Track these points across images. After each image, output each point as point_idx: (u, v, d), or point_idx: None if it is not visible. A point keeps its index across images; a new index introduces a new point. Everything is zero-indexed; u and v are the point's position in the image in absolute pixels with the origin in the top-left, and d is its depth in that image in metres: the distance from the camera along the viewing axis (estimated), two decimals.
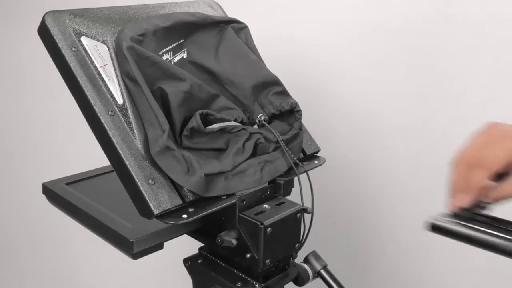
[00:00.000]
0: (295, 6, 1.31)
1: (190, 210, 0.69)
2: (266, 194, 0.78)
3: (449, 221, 0.60)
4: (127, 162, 0.68)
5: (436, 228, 0.60)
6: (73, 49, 0.71)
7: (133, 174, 0.67)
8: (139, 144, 0.70)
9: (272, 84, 0.84)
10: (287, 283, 0.79)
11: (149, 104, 0.71)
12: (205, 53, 0.84)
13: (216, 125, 0.76)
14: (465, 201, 0.59)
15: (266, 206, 0.76)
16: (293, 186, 0.81)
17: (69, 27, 0.73)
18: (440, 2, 1.18)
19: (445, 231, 0.60)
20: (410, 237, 1.13)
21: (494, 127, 0.61)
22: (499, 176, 0.59)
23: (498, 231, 0.57)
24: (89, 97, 0.69)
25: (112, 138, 0.68)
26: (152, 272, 1.65)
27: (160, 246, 0.73)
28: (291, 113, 0.83)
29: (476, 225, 0.59)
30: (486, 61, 1.01)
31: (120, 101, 0.72)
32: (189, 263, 0.81)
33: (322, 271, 0.79)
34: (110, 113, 0.70)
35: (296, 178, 0.80)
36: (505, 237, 0.57)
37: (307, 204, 0.76)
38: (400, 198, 1.26)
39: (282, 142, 0.78)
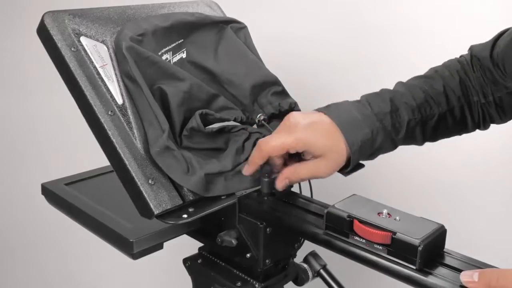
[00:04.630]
0: (295, 6, 1.31)
1: (190, 210, 0.69)
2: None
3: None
4: (127, 162, 0.68)
5: None
6: (73, 49, 0.71)
7: (133, 174, 0.67)
8: (139, 144, 0.70)
9: (271, 84, 0.84)
10: (287, 283, 0.79)
11: (148, 104, 0.71)
12: (204, 53, 0.84)
13: (216, 125, 0.76)
14: (246, 171, 0.73)
15: None
16: (292, 186, 0.81)
17: (68, 27, 0.73)
18: (440, 2, 1.18)
19: None
20: None
21: (288, 119, 0.72)
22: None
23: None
24: (89, 97, 0.69)
25: (112, 138, 0.68)
26: (152, 272, 1.65)
27: (160, 246, 0.73)
28: None
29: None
30: None
31: (119, 101, 0.72)
32: (189, 263, 0.81)
33: (322, 271, 0.79)
34: (109, 113, 0.69)
35: None
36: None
37: None
38: (399, 197, 1.26)
39: None
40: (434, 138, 0.82)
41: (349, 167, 0.73)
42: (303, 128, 0.70)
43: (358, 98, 0.78)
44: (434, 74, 0.83)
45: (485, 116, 0.83)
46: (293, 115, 0.72)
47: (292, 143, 0.69)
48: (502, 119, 0.83)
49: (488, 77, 0.81)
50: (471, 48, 0.85)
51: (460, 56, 0.86)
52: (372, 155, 0.76)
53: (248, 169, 0.73)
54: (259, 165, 0.72)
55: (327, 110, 0.73)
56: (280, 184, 0.72)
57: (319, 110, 0.74)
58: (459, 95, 0.81)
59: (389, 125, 0.74)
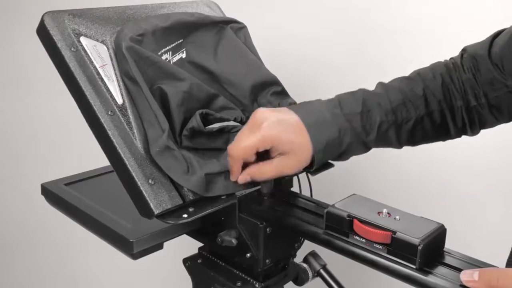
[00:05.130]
0: (295, 6, 1.31)
1: (190, 209, 0.69)
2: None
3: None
4: (127, 162, 0.68)
5: None
6: (72, 49, 0.71)
7: (133, 174, 0.67)
8: (139, 144, 0.70)
9: (271, 84, 0.84)
10: (287, 282, 0.79)
11: (148, 104, 0.71)
12: (204, 53, 0.84)
13: (216, 125, 0.76)
14: (232, 179, 0.72)
15: None
16: (292, 186, 0.81)
17: (68, 27, 0.73)
18: (440, 2, 1.18)
19: None
20: None
21: (254, 116, 0.70)
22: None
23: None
24: (89, 97, 0.69)
25: (112, 138, 0.68)
26: (152, 272, 1.65)
27: (160, 246, 0.73)
28: None
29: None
30: None
31: (119, 101, 0.72)
32: (189, 263, 0.81)
33: (322, 271, 0.79)
34: (109, 113, 0.69)
35: (295, 178, 0.80)
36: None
37: None
38: (399, 196, 1.26)
39: None
40: (412, 142, 0.81)
41: (314, 166, 0.72)
42: (269, 125, 0.68)
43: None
44: (417, 76, 0.81)
45: (473, 120, 0.81)
46: (260, 112, 0.70)
47: (259, 142, 0.68)
48: (498, 120, 0.81)
49: (484, 77, 0.79)
50: (465, 49, 0.83)
51: (450, 59, 0.84)
52: (341, 156, 0.75)
53: (233, 178, 0.72)
54: (240, 171, 0.71)
55: (298, 108, 0.72)
56: (241, 178, 0.70)
57: (290, 107, 0.73)
58: (440, 99, 0.79)
59: (358, 126, 0.73)
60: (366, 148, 0.76)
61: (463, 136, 0.86)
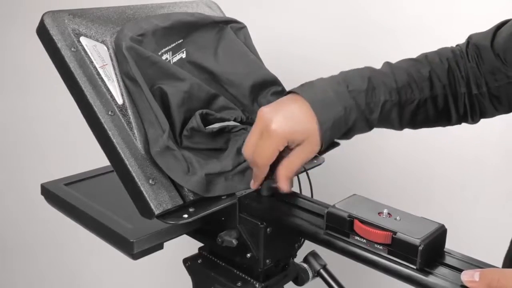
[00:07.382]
0: (294, 6, 1.31)
1: (191, 210, 0.69)
2: None
3: None
4: (127, 162, 0.68)
5: None
6: (72, 49, 0.71)
7: (134, 174, 0.67)
8: (139, 144, 0.70)
9: (271, 83, 0.84)
10: (287, 282, 0.79)
11: (149, 104, 0.71)
12: (204, 53, 0.84)
13: (216, 125, 0.76)
14: (254, 186, 0.73)
15: None
16: (292, 186, 0.81)
17: (68, 27, 0.73)
18: (441, 1, 1.18)
19: None
20: None
21: (260, 119, 0.69)
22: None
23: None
24: (89, 97, 0.69)
25: (112, 138, 0.68)
26: (152, 272, 1.65)
27: (160, 246, 0.73)
28: None
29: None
30: None
31: (120, 101, 0.72)
32: (189, 263, 0.81)
33: (322, 271, 0.79)
34: (110, 113, 0.69)
35: (295, 178, 0.80)
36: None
37: None
38: (399, 197, 1.26)
39: None
40: (413, 124, 0.81)
41: (323, 146, 0.72)
42: (280, 124, 0.68)
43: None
44: (424, 59, 0.82)
45: (474, 108, 0.81)
46: (263, 113, 0.69)
47: (278, 144, 0.68)
48: (497, 110, 0.81)
49: (486, 67, 0.79)
50: (470, 37, 0.83)
51: (456, 45, 0.85)
52: (346, 134, 0.75)
53: (255, 184, 0.73)
54: (264, 177, 0.72)
55: (300, 90, 0.72)
56: (285, 187, 0.70)
57: (292, 90, 0.73)
58: (445, 83, 0.79)
59: (363, 104, 0.73)
60: (369, 126, 0.76)
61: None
